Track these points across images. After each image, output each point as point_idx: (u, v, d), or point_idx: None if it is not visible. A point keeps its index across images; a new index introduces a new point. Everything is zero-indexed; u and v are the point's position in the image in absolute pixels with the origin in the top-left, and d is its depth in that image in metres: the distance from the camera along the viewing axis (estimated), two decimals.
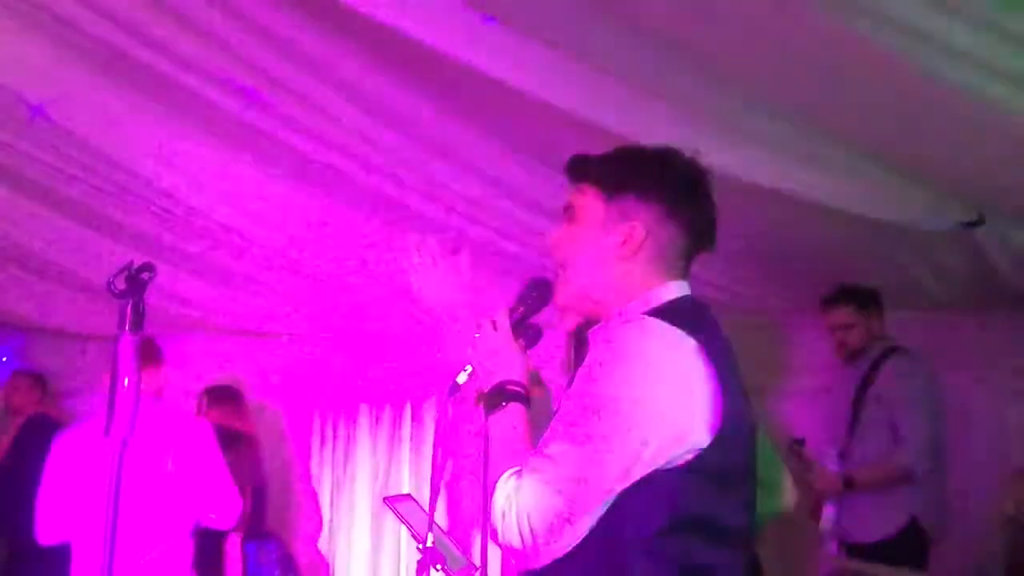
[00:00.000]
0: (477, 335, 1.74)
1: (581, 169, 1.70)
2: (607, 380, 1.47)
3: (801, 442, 3.83)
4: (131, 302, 1.78)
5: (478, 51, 2.60)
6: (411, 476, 5.10)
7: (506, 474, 1.52)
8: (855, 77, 2.50)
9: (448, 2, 2.50)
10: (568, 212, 1.70)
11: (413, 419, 5.13)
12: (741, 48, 2.46)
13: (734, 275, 3.97)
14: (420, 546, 3.30)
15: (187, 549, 3.39)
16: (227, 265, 4.41)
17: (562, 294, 1.71)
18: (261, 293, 4.73)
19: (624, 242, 1.62)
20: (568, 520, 1.43)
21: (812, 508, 3.79)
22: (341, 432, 5.23)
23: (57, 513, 3.32)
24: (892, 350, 3.75)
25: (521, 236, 3.68)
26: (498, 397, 1.65)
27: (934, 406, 3.67)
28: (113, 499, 1.82)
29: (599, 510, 1.44)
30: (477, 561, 3.35)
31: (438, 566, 3.25)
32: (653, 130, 2.72)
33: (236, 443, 4.11)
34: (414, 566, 3.33)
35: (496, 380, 1.67)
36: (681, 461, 1.45)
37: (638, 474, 1.44)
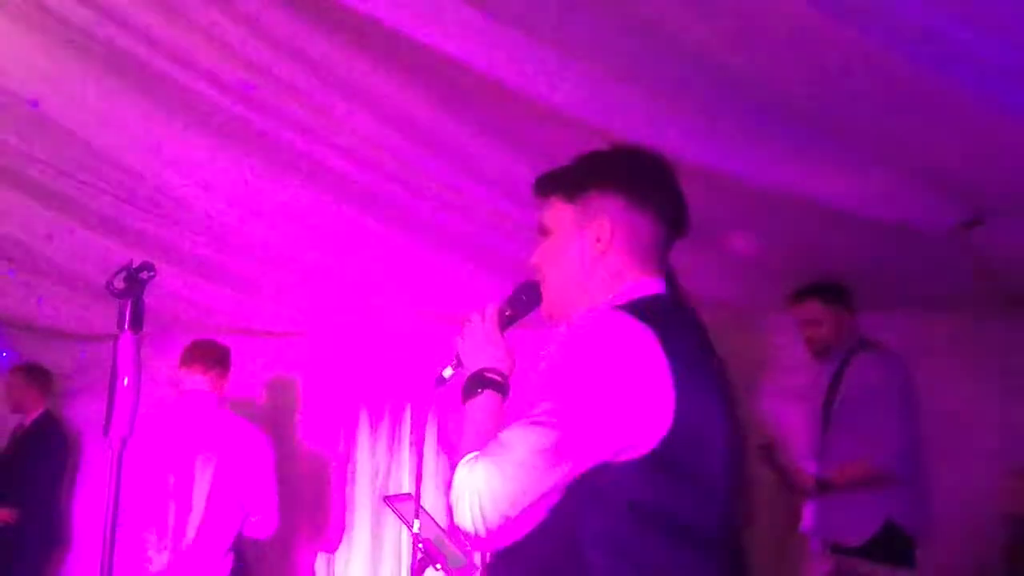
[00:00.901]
0: (465, 326, 1.78)
1: (545, 185, 1.74)
2: (561, 368, 1.50)
3: (769, 446, 3.78)
4: (130, 301, 1.79)
5: (479, 51, 2.61)
6: (411, 476, 5.09)
7: (466, 458, 1.53)
8: (855, 77, 2.50)
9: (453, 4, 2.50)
10: (542, 229, 1.74)
11: (413, 419, 5.13)
12: (740, 47, 2.46)
13: (729, 273, 3.96)
14: (420, 545, 3.31)
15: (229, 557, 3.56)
16: (227, 264, 4.41)
17: (545, 303, 1.75)
18: (261, 293, 4.73)
19: (597, 239, 1.65)
20: (519, 504, 1.44)
21: (796, 509, 3.79)
22: (341, 432, 5.23)
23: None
24: (861, 347, 3.70)
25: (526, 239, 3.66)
26: (475, 384, 1.68)
27: (906, 403, 3.60)
28: (113, 499, 1.82)
29: (546, 496, 1.45)
30: (477, 560, 3.36)
31: (437, 565, 3.25)
32: (652, 130, 2.74)
33: None
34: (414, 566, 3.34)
35: (476, 368, 1.70)
36: (634, 454, 1.46)
37: (586, 462, 1.45)
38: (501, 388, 1.68)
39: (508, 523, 1.44)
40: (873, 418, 3.54)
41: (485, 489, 1.44)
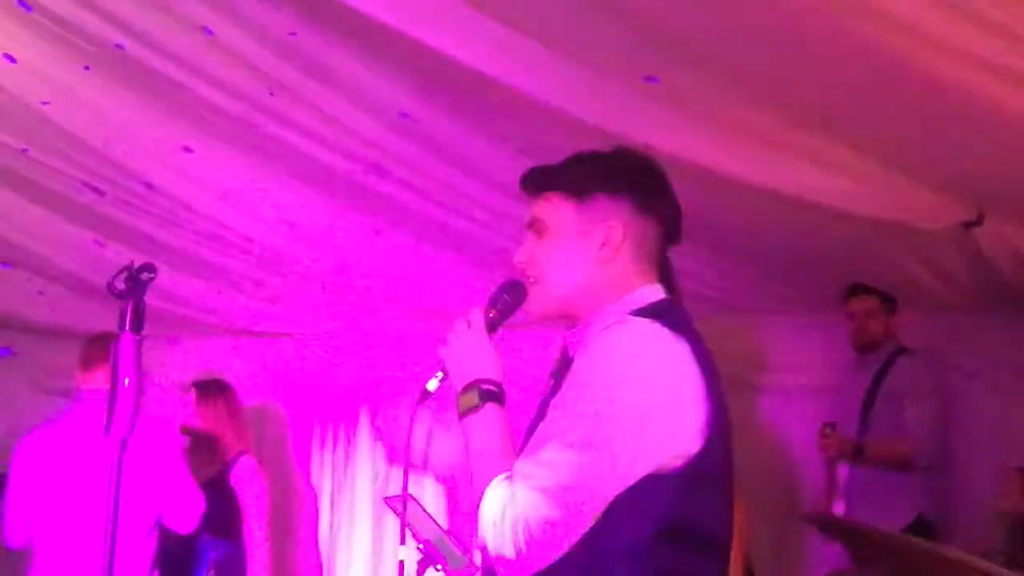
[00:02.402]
0: (449, 334, 1.70)
1: (541, 180, 1.67)
2: (602, 383, 1.44)
3: (832, 426, 3.96)
4: (131, 302, 1.78)
5: (479, 52, 2.61)
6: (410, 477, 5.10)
7: (495, 480, 1.47)
8: (855, 77, 2.50)
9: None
10: (535, 225, 1.66)
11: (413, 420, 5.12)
12: (740, 47, 2.46)
13: (730, 273, 3.97)
14: (420, 546, 3.31)
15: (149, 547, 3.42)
16: (227, 265, 4.41)
17: (538, 304, 1.68)
18: (262, 294, 4.73)
19: (604, 244, 1.60)
20: (566, 529, 1.40)
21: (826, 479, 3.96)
22: (341, 433, 5.23)
23: (25, 516, 3.32)
24: (903, 351, 3.94)
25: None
26: (472, 397, 1.59)
27: (940, 406, 3.85)
28: (114, 499, 1.82)
29: (596, 517, 1.41)
30: (478, 561, 3.35)
31: (438, 566, 3.25)
32: (651, 129, 2.74)
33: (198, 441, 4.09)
34: (415, 566, 3.34)
35: (469, 379, 1.62)
36: (673, 467, 1.43)
37: (633, 479, 1.41)
38: (499, 398, 1.60)
39: (556, 549, 1.40)
40: (916, 411, 3.76)
41: (532, 516, 1.39)
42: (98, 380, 3.38)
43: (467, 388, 1.61)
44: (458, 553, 3.26)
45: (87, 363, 3.48)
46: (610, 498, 1.41)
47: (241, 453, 4.19)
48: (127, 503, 3.19)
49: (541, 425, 1.50)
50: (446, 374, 1.69)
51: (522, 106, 2.79)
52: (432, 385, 1.73)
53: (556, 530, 1.39)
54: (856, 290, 3.99)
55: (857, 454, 3.83)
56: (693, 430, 1.44)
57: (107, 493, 1.82)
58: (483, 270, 4.08)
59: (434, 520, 3.48)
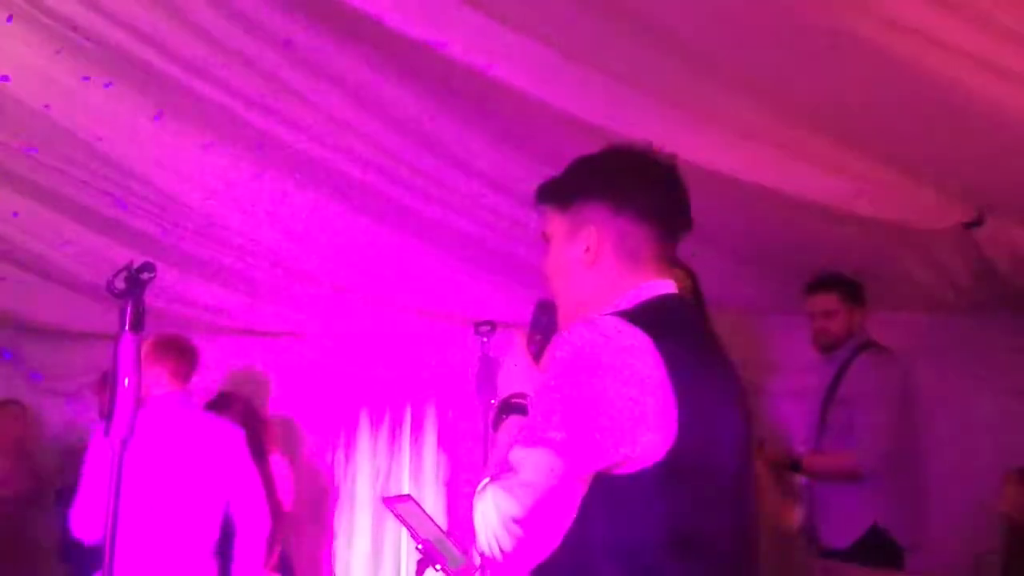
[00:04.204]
0: (502, 368, 1.75)
1: (541, 195, 1.74)
2: (558, 381, 1.48)
3: (761, 440, 3.74)
4: (131, 302, 1.78)
5: (480, 54, 2.61)
6: (411, 478, 5.10)
7: (480, 484, 1.52)
8: (855, 77, 2.50)
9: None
10: (544, 239, 1.74)
11: (413, 421, 5.13)
12: (741, 47, 2.46)
13: (729, 272, 3.96)
14: (419, 546, 3.31)
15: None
16: (227, 266, 4.41)
17: (560, 316, 1.73)
18: (261, 293, 4.73)
19: (586, 248, 1.64)
20: (532, 524, 1.43)
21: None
22: (341, 434, 5.23)
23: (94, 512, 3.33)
24: (864, 347, 3.66)
25: (526, 238, 3.67)
26: (502, 411, 1.66)
27: (900, 406, 3.58)
28: (113, 499, 1.82)
29: (558, 513, 1.45)
30: (477, 561, 3.35)
31: (437, 566, 3.25)
32: (650, 130, 2.73)
33: None
34: (414, 566, 3.34)
35: (502, 399, 1.68)
36: (642, 464, 1.44)
37: (589, 471, 1.45)
38: (524, 409, 1.64)
39: (524, 545, 1.44)
40: (865, 418, 3.51)
41: (495, 513, 1.44)
42: (164, 384, 3.48)
43: (500, 404, 1.68)
44: (457, 553, 3.26)
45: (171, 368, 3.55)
46: (574, 493, 1.45)
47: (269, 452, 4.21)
48: (194, 496, 3.30)
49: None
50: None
51: (523, 107, 2.79)
52: None
53: (516, 526, 1.43)
54: (815, 286, 3.71)
55: (795, 468, 3.67)
56: (651, 428, 1.44)
57: (108, 494, 1.82)
58: (484, 271, 4.08)
59: (433, 520, 3.48)
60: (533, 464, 1.44)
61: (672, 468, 1.45)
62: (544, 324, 1.76)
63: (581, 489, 1.46)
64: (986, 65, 2.32)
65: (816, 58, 2.45)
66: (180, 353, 3.55)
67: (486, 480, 1.51)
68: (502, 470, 1.47)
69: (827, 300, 3.69)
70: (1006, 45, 2.23)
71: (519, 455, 1.46)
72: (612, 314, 1.53)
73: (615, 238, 1.63)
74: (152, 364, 3.46)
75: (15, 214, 3.99)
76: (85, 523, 3.25)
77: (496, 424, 1.66)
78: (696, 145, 2.83)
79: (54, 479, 4.96)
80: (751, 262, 3.88)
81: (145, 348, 3.40)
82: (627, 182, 1.66)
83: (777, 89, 2.64)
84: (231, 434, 3.54)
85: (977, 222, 3.24)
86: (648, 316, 1.52)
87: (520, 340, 1.75)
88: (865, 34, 2.26)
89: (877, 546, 3.47)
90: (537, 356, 1.73)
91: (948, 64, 2.33)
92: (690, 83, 2.65)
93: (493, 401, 1.77)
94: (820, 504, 3.66)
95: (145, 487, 3.24)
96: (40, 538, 5.07)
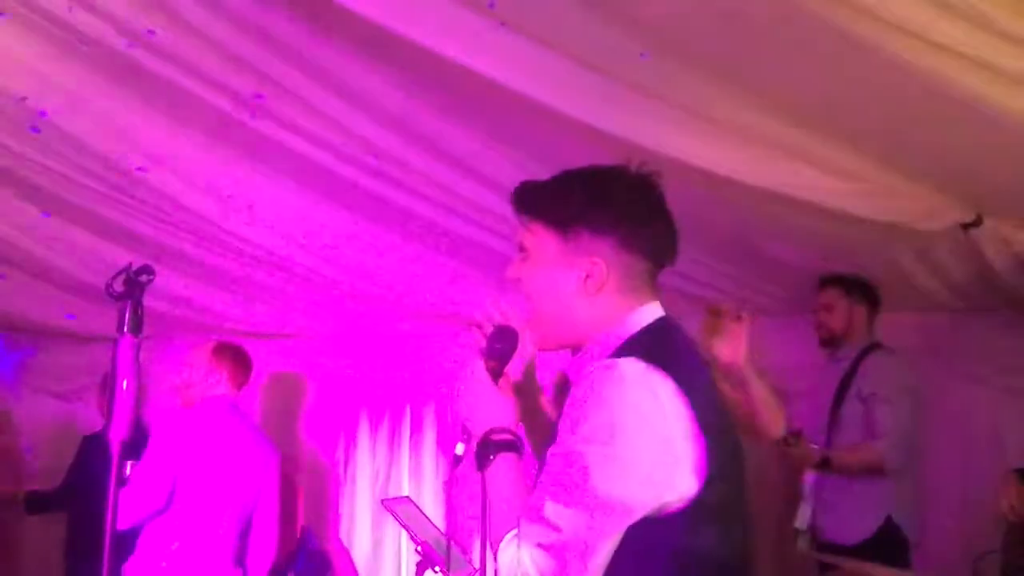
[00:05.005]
0: (457, 391, 1.70)
1: (527, 206, 1.66)
2: (590, 434, 1.45)
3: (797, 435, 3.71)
4: (130, 304, 1.78)
5: (480, 55, 2.61)
6: (410, 479, 5.09)
7: (507, 538, 1.50)
8: (855, 77, 2.50)
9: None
10: (522, 250, 1.67)
11: (412, 422, 5.13)
12: (740, 47, 2.46)
13: (728, 273, 3.97)
14: (418, 547, 3.31)
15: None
16: (227, 267, 4.41)
17: (536, 335, 1.70)
18: (260, 296, 4.73)
19: (587, 278, 1.60)
20: None
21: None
22: (341, 435, 5.22)
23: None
24: (874, 347, 3.76)
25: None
26: (486, 451, 1.61)
27: (913, 406, 3.66)
28: (113, 500, 1.82)
29: (601, 565, 1.44)
30: (476, 563, 3.35)
31: (436, 568, 3.25)
32: (649, 130, 2.74)
33: None
34: (414, 568, 3.34)
35: (482, 432, 1.63)
36: (674, 508, 1.45)
37: (625, 525, 1.44)
38: (513, 446, 1.61)
39: None
40: (881, 413, 3.59)
41: (534, 573, 1.43)
42: (218, 387, 3.64)
43: (481, 443, 1.62)
44: (456, 555, 3.26)
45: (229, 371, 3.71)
46: (608, 546, 1.44)
47: None
48: (222, 500, 3.37)
49: (541, 474, 1.54)
50: (467, 432, 1.69)
51: (524, 109, 2.79)
52: (460, 449, 1.72)
53: None
54: (822, 282, 3.83)
55: (824, 465, 3.64)
56: (686, 470, 1.45)
57: (108, 494, 1.82)
58: (484, 273, 4.08)
59: (432, 522, 3.48)
60: (574, 525, 1.43)
61: (703, 504, 1.46)
62: (499, 352, 1.71)
63: (618, 540, 1.45)
64: (986, 66, 2.32)
65: (815, 58, 2.45)
66: (238, 360, 3.73)
67: (513, 532, 1.49)
68: (538, 529, 1.45)
69: (828, 294, 3.81)
70: (1006, 45, 2.23)
71: (557, 512, 1.44)
72: (625, 351, 1.52)
73: (622, 270, 1.60)
74: (211, 368, 3.64)
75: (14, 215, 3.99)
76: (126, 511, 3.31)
77: (482, 463, 1.60)
78: (695, 146, 2.84)
79: (52, 480, 4.94)
80: (747, 262, 3.88)
81: (205, 351, 3.59)
82: (637, 217, 1.61)
83: (776, 89, 2.64)
84: (268, 455, 3.63)
85: (976, 223, 3.24)
86: (654, 347, 1.52)
87: (479, 365, 1.69)
88: (864, 34, 2.26)
89: (888, 540, 3.52)
90: (495, 378, 1.68)
91: (948, 65, 2.33)
92: (689, 83, 2.65)
93: (462, 440, 1.70)
94: (828, 501, 3.69)
95: (180, 482, 3.37)
96: (25, 539, 5.11)
